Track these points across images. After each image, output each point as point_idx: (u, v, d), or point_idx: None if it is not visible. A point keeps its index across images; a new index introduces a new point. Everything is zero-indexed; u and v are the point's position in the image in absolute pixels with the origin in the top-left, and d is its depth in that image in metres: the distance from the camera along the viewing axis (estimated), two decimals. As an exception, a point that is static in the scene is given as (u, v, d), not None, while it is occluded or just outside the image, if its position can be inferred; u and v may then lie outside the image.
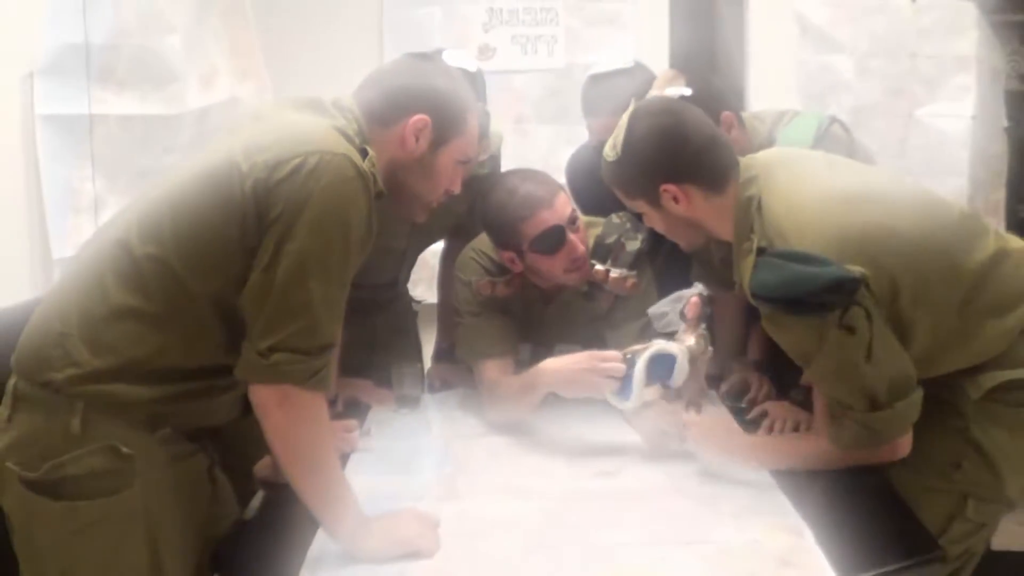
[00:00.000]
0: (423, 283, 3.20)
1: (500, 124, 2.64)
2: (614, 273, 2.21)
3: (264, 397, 1.57)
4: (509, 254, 2.24)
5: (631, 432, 2.07)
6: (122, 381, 1.57)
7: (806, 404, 2.13)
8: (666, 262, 2.41)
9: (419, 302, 2.93)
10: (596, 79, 2.62)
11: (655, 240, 2.21)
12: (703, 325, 2.02)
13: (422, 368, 2.60)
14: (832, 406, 1.85)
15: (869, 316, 1.72)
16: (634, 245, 2.21)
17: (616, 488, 1.89)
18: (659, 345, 1.97)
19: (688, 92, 2.19)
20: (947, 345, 1.83)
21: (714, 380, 2.37)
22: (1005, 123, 3.92)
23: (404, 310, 2.79)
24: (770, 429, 2.17)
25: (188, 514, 1.66)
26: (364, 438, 2.16)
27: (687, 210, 1.92)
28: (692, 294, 2.02)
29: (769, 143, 2.30)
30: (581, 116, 2.68)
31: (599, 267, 2.22)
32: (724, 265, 1.98)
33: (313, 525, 1.65)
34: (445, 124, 1.73)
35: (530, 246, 2.18)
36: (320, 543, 1.64)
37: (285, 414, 1.56)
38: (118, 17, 2.78)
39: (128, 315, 1.58)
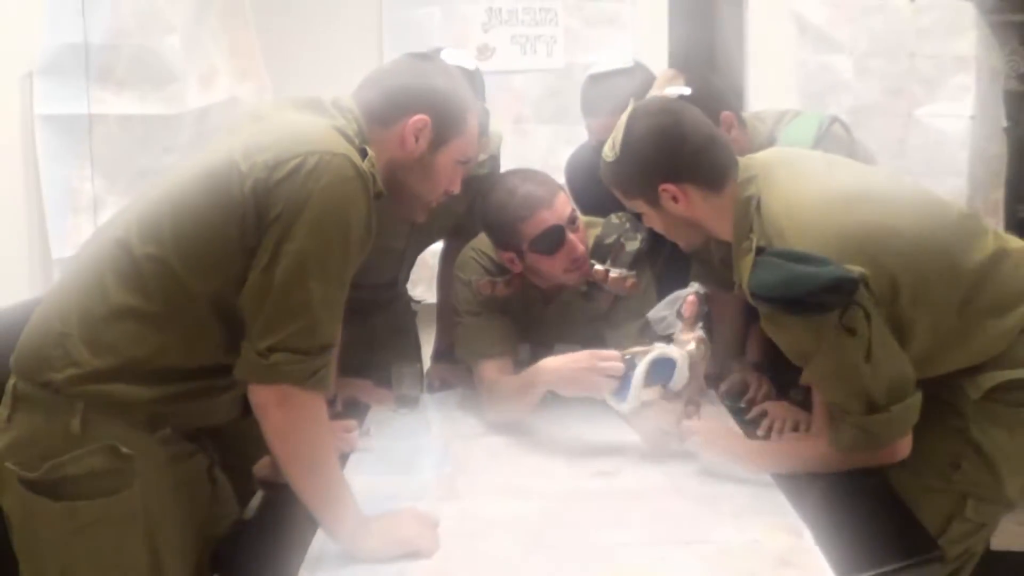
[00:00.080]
0: (422, 283, 3.20)
1: (499, 124, 2.64)
2: (613, 273, 2.21)
3: (263, 397, 1.57)
4: (509, 254, 2.24)
5: (631, 432, 2.07)
6: (122, 381, 1.57)
7: (805, 404, 2.14)
8: (667, 264, 2.41)
9: (418, 302, 2.93)
10: (595, 79, 2.62)
11: (656, 242, 2.21)
12: (700, 324, 2.02)
13: (421, 368, 2.60)
14: (831, 409, 1.85)
15: (868, 317, 1.72)
16: (633, 245, 2.21)
17: (616, 488, 1.89)
18: (660, 349, 1.97)
19: (688, 92, 2.19)
20: (947, 345, 1.83)
21: (713, 380, 2.37)
22: (1004, 123, 3.93)
23: (403, 310, 2.79)
24: (769, 429, 2.17)
25: (188, 514, 1.66)
26: (363, 438, 2.16)
27: (686, 210, 1.92)
28: (688, 293, 2.02)
29: (770, 143, 2.30)
30: (580, 116, 2.68)
31: (599, 267, 2.22)
32: (724, 265, 1.98)
33: (312, 525, 1.65)
34: (445, 124, 1.73)
35: (530, 246, 2.18)
36: (319, 543, 1.64)
37: (284, 414, 1.56)
38: (117, 17, 2.78)
39: (128, 315, 1.58)
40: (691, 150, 1.89)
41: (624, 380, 1.96)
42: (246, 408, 1.60)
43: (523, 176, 2.23)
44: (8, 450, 1.58)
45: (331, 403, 2.14)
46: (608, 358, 1.99)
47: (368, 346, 2.52)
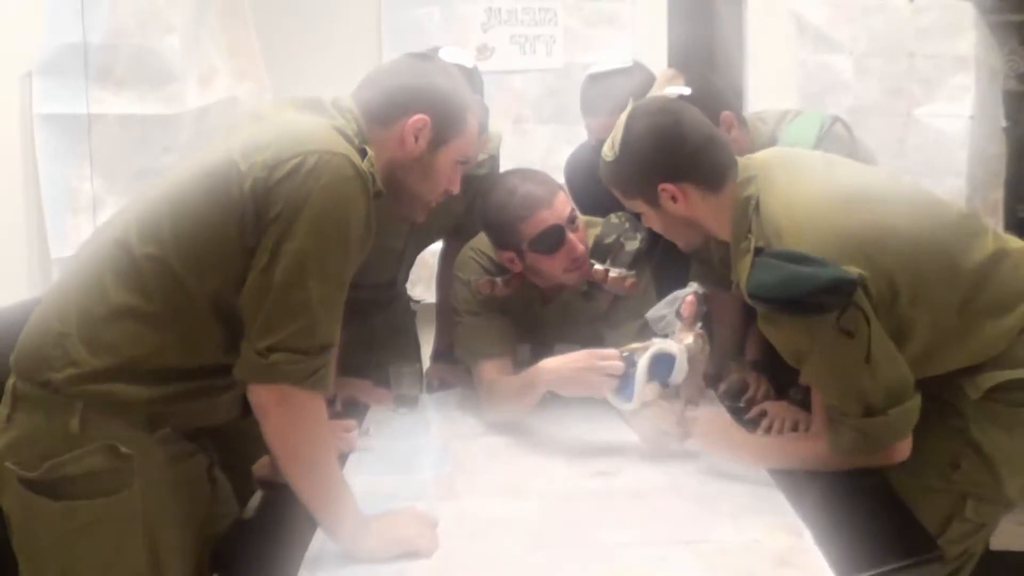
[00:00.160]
0: (422, 283, 3.20)
1: (499, 124, 2.65)
2: (613, 273, 2.22)
3: (263, 397, 1.56)
4: (508, 254, 2.24)
5: (630, 432, 2.07)
6: (121, 381, 1.57)
7: (804, 403, 2.14)
8: (660, 263, 2.40)
9: (418, 302, 2.93)
10: (595, 78, 2.62)
11: (650, 240, 2.21)
12: (699, 324, 2.02)
13: (420, 368, 2.60)
14: (829, 410, 1.85)
15: (867, 319, 1.72)
16: (633, 245, 2.21)
17: (615, 488, 1.89)
18: (658, 344, 1.97)
19: (688, 92, 2.19)
20: (946, 345, 1.83)
21: (712, 380, 2.37)
22: (1003, 123, 3.93)
23: (403, 310, 2.79)
24: (768, 428, 2.18)
25: (187, 514, 1.66)
26: (363, 438, 2.16)
27: (685, 209, 1.92)
28: (687, 293, 2.02)
29: (771, 143, 2.30)
30: (580, 116, 2.68)
31: (598, 267, 2.22)
32: (723, 265, 1.98)
33: (312, 525, 1.65)
34: (444, 124, 1.73)
35: (529, 246, 2.18)
36: (319, 543, 1.64)
37: (284, 414, 1.56)
38: (116, 17, 2.78)
39: (127, 315, 1.57)
40: (690, 150, 1.89)
41: (624, 378, 1.96)
42: (246, 408, 1.60)
43: (523, 176, 2.23)
44: (8, 450, 1.58)
45: (330, 403, 2.15)
46: (607, 357, 1.99)
47: (367, 346, 2.52)
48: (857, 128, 2.44)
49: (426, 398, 2.46)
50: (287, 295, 1.53)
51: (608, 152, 1.95)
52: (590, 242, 2.24)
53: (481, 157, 2.37)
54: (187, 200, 1.58)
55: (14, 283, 2.49)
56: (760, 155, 2.00)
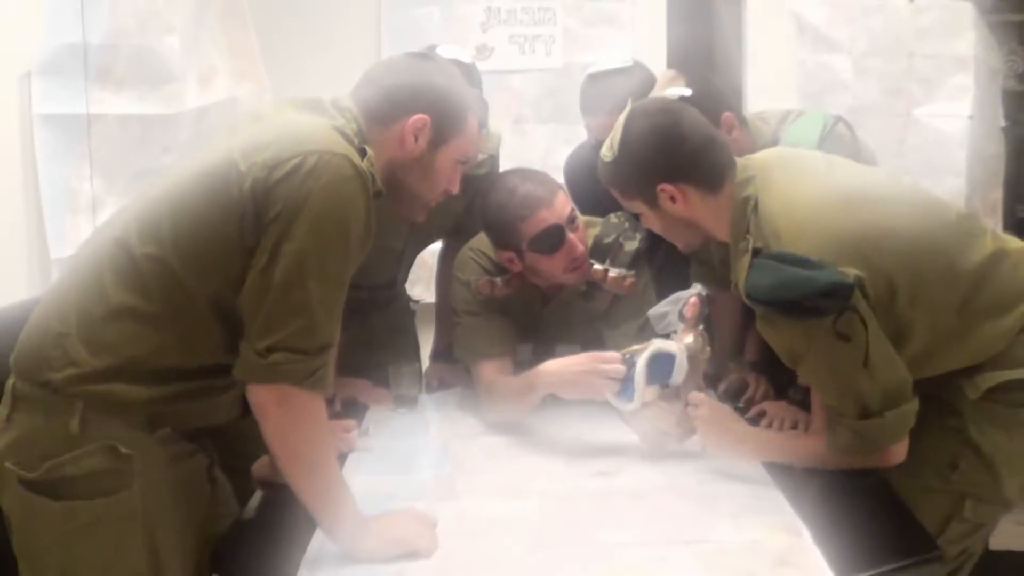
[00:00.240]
0: (421, 283, 3.20)
1: (498, 124, 2.65)
2: (612, 273, 2.22)
3: (262, 397, 1.56)
4: (508, 254, 2.24)
5: (630, 432, 2.07)
6: (121, 381, 1.57)
7: (804, 403, 2.14)
8: (663, 265, 2.41)
9: (417, 302, 2.93)
10: (594, 78, 2.62)
11: (653, 241, 2.21)
12: (702, 325, 2.02)
13: (420, 368, 2.60)
14: (827, 410, 1.85)
15: (864, 322, 1.72)
16: (632, 245, 2.21)
17: (615, 488, 1.89)
18: (658, 344, 1.97)
19: (689, 93, 2.19)
20: (945, 345, 1.83)
21: (712, 380, 2.37)
22: (1003, 123, 3.93)
23: (402, 310, 2.79)
24: (768, 428, 2.17)
25: (187, 514, 1.66)
26: (362, 438, 2.16)
27: (684, 210, 1.92)
28: (691, 295, 2.02)
29: (773, 143, 2.30)
30: (579, 116, 2.68)
31: (598, 266, 2.22)
32: (724, 266, 1.98)
33: (311, 525, 1.65)
34: (444, 124, 1.73)
35: (529, 246, 2.18)
36: (318, 543, 1.64)
37: (283, 414, 1.56)
38: (116, 17, 2.78)
39: (127, 315, 1.57)
40: (689, 150, 1.89)
41: (625, 380, 1.96)
42: (246, 408, 1.60)
43: (522, 175, 2.23)
44: (7, 450, 1.58)
45: (330, 403, 2.14)
46: (608, 360, 1.99)
47: (367, 346, 2.52)
48: (856, 128, 2.44)
49: (426, 398, 2.46)
50: (287, 295, 1.53)
51: (607, 153, 1.95)
52: (590, 242, 2.24)
53: (481, 157, 2.37)
54: (187, 200, 1.58)
55: (14, 283, 2.48)
56: (759, 155, 2.00)
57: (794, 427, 2.15)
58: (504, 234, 2.21)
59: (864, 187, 1.89)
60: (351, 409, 2.35)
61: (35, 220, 2.66)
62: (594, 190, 2.20)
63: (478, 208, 2.30)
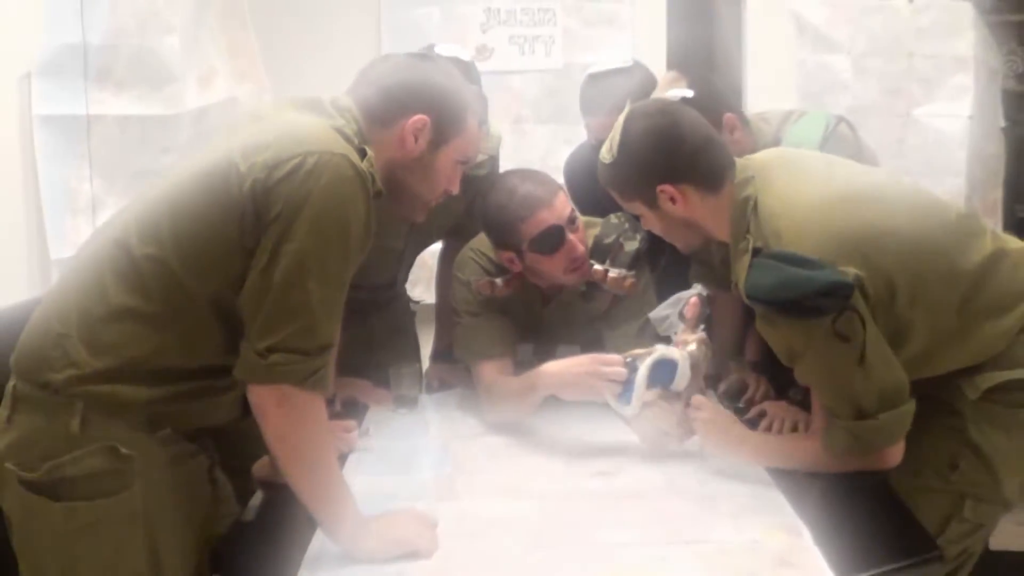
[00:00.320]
0: (421, 283, 3.20)
1: (498, 124, 2.65)
2: (613, 273, 2.22)
3: (262, 397, 1.56)
4: (508, 254, 2.24)
5: (630, 432, 2.06)
6: (121, 382, 1.57)
7: (804, 404, 2.14)
8: (666, 266, 2.41)
9: (417, 302, 2.93)
10: (594, 78, 2.62)
11: (656, 246, 2.21)
12: (702, 326, 2.02)
13: (420, 368, 2.60)
14: (824, 410, 1.85)
15: (863, 322, 1.72)
16: (632, 245, 2.21)
17: (615, 488, 1.89)
18: (661, 351, 1.97)
19: (691, 94, 2.19)
20: (945, 345, 1.83)
21: (712, 380, 2.37)
22: (1002, 123, 3.94)
23: (402, 310, 2.79)
24: (768, 428, 2.18)
25: (188, 515, 1.66)
26: (362, 438, 2.16)
27: (684, 211, 1.92)
28: (691, 295, 2.02)
29: (775, 143, 2.30)
30: (579, 116, 2.68)
31: (598, 267, 2.22)
32: (725, 266, 1.98)
33: (312, 525, 1.65)
34: (444, 124, 1.73)
35: (529, 246, 2.18)
36: (319, 543, 1.64)
37: (284, 414, 1.56)
38: (116, 17, 2.78)
39: (127, 315, 1.57)
40: (689, 150, 1.89)
41: (626, 383, 1.96)
42: (246, 408, 1.60)
43: (522, 176, 2.23)
44: (8, 451, 1.58)
45: (330, 403, 2.14)
46: (610, 362, 1.99)
47: (367, 346, 2.52)
48: (856, 128, 2.45)
49: (426, 398, 2.46)
50: (287, 296, 1.53)
51: (606, 155, 1.95)
52: (590, 242, 2.24)
53: (481, 157, 2.37)
54: (187, 201, 1.58)
55: (14, 284, 2.49)
56: (759, 155, 2.00)
57: (794, 428, 2.15)
58: (504, 234, 2.21)
59: (864, 187, 1.89)
60: (351, 409, 2.35)
61: (35, 221, 2.66)
62: (594, 190, 2.20)
63: (478, 208, 2.30)
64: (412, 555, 1.61)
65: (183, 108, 3.02)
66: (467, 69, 2.26)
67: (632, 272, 2.22)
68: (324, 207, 1.53)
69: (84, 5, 2.67)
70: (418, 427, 2.28)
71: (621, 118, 1.96)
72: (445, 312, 2.65)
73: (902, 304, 1.78)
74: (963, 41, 3.80)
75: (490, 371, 2.27)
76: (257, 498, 1.90)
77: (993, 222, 3.81)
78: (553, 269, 2.21)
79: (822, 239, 1.73)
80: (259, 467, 1.92)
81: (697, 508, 1.78)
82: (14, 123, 2.61)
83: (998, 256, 1.86)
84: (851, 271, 1.70)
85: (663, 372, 1.96)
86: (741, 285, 1.80)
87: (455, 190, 1.84)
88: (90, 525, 1.56)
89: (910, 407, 1.78)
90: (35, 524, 1.58)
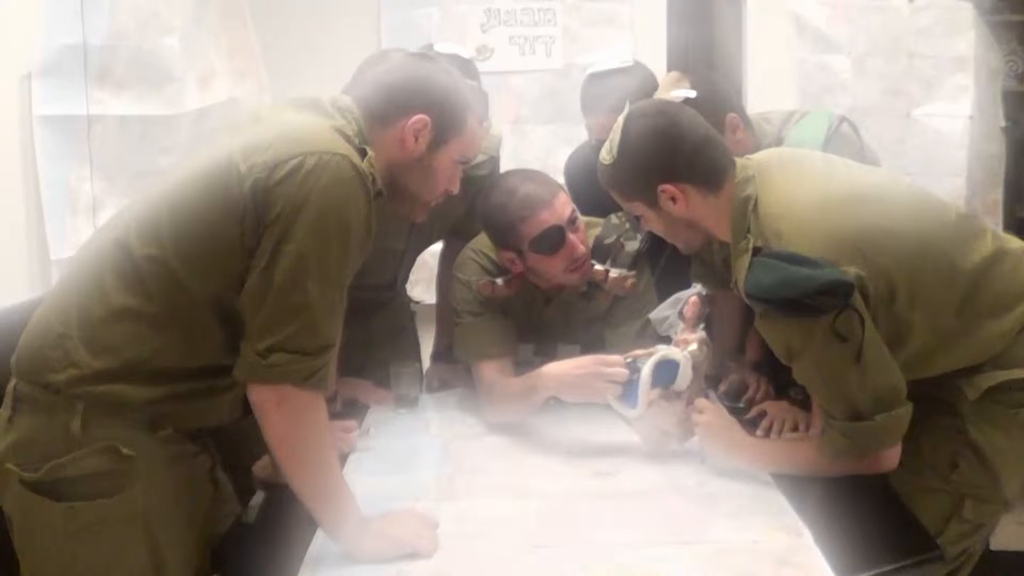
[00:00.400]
0: (421, 284, 3.20)
1: (498, 125, 2.65)
2: (613, 273, 2.22)
3: (263, 397, 1.56)
4: (509, 254, 2.24)
5: (630, 432, 2.07)
6: (122, 382, 1.57)
7: (805, 404, 2.14)
8: (666, 266, 2.41)
9: (417, 302, 2.93)
10: (595, 77, 2.62)
11: (656, 246, 2.21)
12: (702, 326, 2.02)
13: (420, 368, 2.60)
14: (822, 412, 1.85)
15: (862, 322, 1.71)
16: (633, 245, 2.21)
17: (615, 488, 1.89)
18: (662, 352, 1.97)
19: (693, 95, 2.19)
20: (945, 345, 1.83)
21: (713, 380, 2.37)
22: (1003, 123, 3.93)
23: (402, 310, 2.79)
24: (768, 429, 2.18)
25: (189, 515, 1.66)
26: (363, 438, 2.16)
27: (685, 210, 1.92)
28: (691, 294, 2.02)
29: (777, 143, 2.30)
30: (579, 116, 2.68)
31: (598, 267, 2.22)
32: (725, 266, 1.98)
33: (312, 525, 1.65)
34: (445, 124, 1.73)
35: (530, 246, 2.18)
36: (319, 543, 1.64)
37: (284, 414, 1.56)
38: (116, 18, 2.79)
39: (128, 316, 1.58)
40: (689, 150, 1.89)
41: (628, 385, 1.96)
42: (247, 408, 1.60)
43: (523, 176, 2.23)
44: (9, 451, 1.59)
45: (330, 403, 2.14)
46: (612, 364, 1.99)
47: (367, 346, 2.52)
48: (858, 128, 2.45)
49: (426, 398, 2.46)
50: (287, 296, 1.53)
51: (606, 155, 1.95)
52: (590, 243, 2.24)
53: (481, 157, 2.37)
54: (187, 201, 1.58)
55: (14, 284, 2.49)
56: (759, 155, 2.00)
57: (795, 428, 2.15)
58: (505, 235, 2.21)
59: (864, 187, 1.89)
60: (352, 409, 2.35)
61: (35, 221, 2.66)
62: (594, 190, 2.20)
63: (479, 209, 2.30)
64: (412, 555, 1.61)
65: (183, 108, 3.02)
66: (466, 66, 2.26)
67: (633, 272, 2.22)
68: (324, 207, 1.53)
69: (84, 6, 2.67)
70: (418, 427, 2.28)
71: (621, 119, 1.95)
72: (445, 312, 2.65)
73: (902, 304, 1.78)
74: (963, 41, 3.80)
75: (490, 371, 2.27)
76: (258, 498, 1.90)
77: (993, 222, 3.81)
78: (554, 269, 2.21)
79: (822, 238, 1.73)
80: (260, 467, 1.92)
81: (697, 508, 1.78)
82: (14, 123, 2.61)
83: (998, 256, 1.86)
84: (851, 270, 1.70)
85: (665, 373, 1.96)
86: (741, 284, 1.80)
87: (455, 190, 1.84)
88: (91, 525, 1.56)
89: (906, 410, 1.78)
90: (36, 524, 1.58)
